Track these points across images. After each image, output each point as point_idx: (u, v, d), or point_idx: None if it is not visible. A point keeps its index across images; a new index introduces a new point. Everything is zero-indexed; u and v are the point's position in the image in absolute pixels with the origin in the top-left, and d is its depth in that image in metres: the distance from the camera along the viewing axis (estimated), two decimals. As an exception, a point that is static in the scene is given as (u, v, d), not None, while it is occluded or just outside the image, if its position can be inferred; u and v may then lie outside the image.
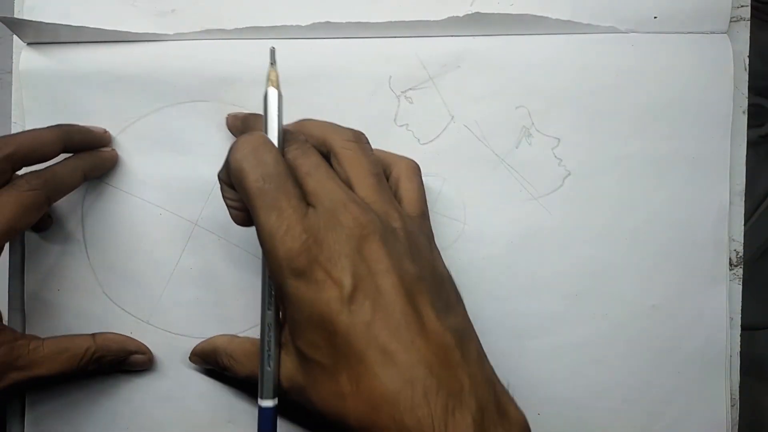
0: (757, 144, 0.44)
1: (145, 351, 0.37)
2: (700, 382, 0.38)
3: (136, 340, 0.38)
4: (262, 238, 0.27)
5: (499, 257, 0.38)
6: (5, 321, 0.38)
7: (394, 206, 0.30)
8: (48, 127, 0.35)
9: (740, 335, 0.38)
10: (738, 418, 0.38)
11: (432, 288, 0.28)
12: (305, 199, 0.28)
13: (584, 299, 0.38)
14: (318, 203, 0.28)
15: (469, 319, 0.30)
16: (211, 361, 0.36)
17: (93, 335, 0.36)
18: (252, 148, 0.28)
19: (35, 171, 0.34)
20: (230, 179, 0.29)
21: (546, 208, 0.38)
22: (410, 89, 0.38)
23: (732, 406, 0.38)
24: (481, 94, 0.37)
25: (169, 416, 0.38)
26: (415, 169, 0.33)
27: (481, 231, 0.38)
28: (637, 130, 0.38)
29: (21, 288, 0.38)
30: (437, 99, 0.38)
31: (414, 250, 0.28)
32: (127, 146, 0.38)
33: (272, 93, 0.30)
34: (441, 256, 0.31)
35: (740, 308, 0.38)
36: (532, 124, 0.38)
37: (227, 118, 0.37)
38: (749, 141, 0.38)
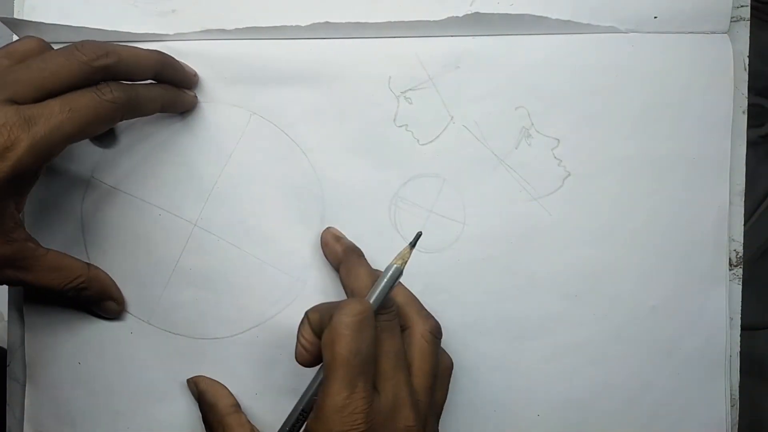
0: (757, 144, 0.44)
1: (121, 302, 0.38)
2: (700, 382, 0.38)
3: (119, 290, 0.38)
4: (325, 406, 0.29)
5: (499, 257, 0.38)
6: (5, 318, 0.38)
7: (433, 411, 0.33)
8: (148, 50, 0.34)
9: (740, 335, 0.38)
10: (738, 418, 0.38)
11: None
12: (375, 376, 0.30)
13: (584, 300, 0.38)
14: (383, 391, 0.30)
15: None
16: (203, 410, 0.37)
17: (89, 265, 0.36)
18: (359, 319, 0.30)
19: (120, 84, 0.33)
20: (320, 327, 0.31)
21: (546, 208, 0.38)
22: (410, 90, 0.38)
23: (732, 406, 0.38)
24: (480, 95, 0.37)
25: (168, 416, 0.38)
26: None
27: (481, 231, 0.38)
28: (637, 130, 0.38)
29: (21, 288, 0.38)
30: (437, 99, 0.38)
31: None
32: (126, 146, 0.38)
33: (394, 269, 0.32)
34: None
35: (740, 308, 0.38)
36: (532, 124, 0.38)
37: (326, 234, 0.37)
38: (749, 141, 0.38)
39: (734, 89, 0.37)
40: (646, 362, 0.38)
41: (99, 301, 0.37)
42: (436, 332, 0.33)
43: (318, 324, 0.31)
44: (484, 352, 0.38)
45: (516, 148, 0.38)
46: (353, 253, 0.36)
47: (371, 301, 0.31)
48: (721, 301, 0.38)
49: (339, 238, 0.37)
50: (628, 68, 0.37)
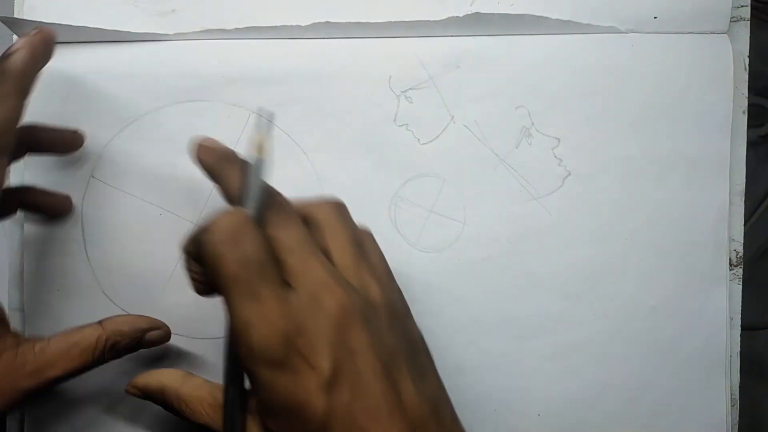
0: (757, 144, 0.44)
1: (159, 326, 0.35)
2: (700, 382, 0.38)
3: (147, 317, 0.35)
4: (237, 328, 0.26)
5: (499, 257, 0.38)
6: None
7: (374, 276, 0.29)
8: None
9: (740, 335, 0.38)
10: (738, 418, 0.38)
11: (408, 357, 0.27)
12: (284, 278, 0.27)
13: (584, 299, 0.38)
14: (299, 285, 0.26)
15: (440, 380, 0.29)
16: (156, 401, 0.32)
17: (100, 322, 0.33)
18: (232, 231, 0.26)
19: None
20: (199, 255, 0.27)
21: (546, 208, 0.38)
22: (410, 89, 0.38)
23: (732, 406, 0.38)
24: (480, 94, 0.38)
25: (169, 416, 0.38)
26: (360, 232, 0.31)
27: (481, 231, 0.38)
28: (637, 130, 0.38)
29: (21, 288, 0.38)
30: (437, 99, 0.38)
31: (392, 320, 0.28)
32: (126, 146, 0.38)
33: (256, 162, 0.29)
34: (412, 314, 0.30)
35: (740, 308, 0.38)
36: (532, 124, 0.38)
37: (197, 149, 0.31)
38: (749, 141, 0.38)
39: (734, 89, 0.37)
40: (646, 362, 0.38)
41: (140, 342, 0.34)
42: (336, 208, 0.30)
43: (198, 252, 0.27)
44: (484, 351, 0.38)
45: (516, 148, 0.38)
46: (228, 156, 0.30)
47: (245, 201, 0.28)
48: (721, 301, 0.38)
49: (210, 146, 0.31)
50: (628, 68, 0.37)
